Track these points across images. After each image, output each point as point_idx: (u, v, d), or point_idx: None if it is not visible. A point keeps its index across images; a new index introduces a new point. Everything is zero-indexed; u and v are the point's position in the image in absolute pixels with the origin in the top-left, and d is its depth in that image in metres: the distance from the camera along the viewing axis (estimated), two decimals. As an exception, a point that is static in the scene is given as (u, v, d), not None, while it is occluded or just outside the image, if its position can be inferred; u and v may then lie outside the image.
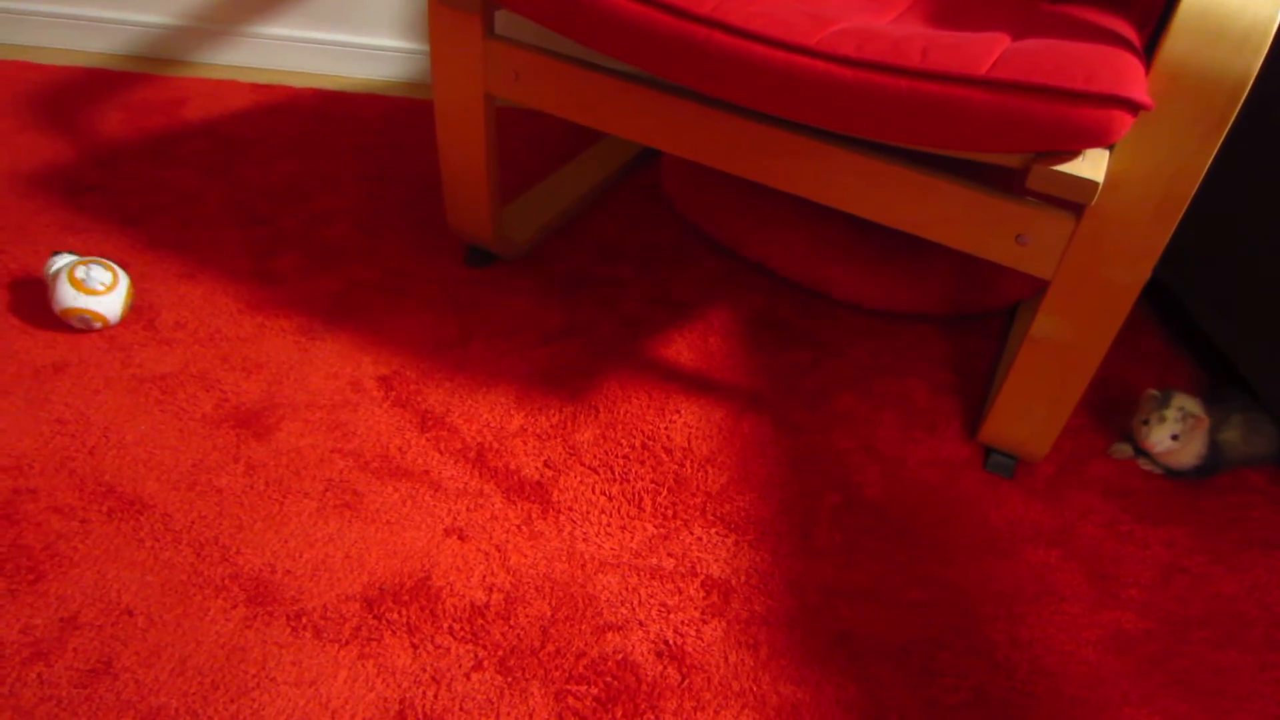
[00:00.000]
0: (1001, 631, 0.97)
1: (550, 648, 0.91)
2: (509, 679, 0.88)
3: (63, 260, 1.19)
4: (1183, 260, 1.34)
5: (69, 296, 1.15)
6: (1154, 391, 1.14)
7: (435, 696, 0.85)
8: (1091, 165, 0.91)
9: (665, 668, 0.90)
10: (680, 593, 0.97)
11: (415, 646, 0.89)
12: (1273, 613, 1.02)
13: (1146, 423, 1.13)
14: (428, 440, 1.10)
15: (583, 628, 0.93)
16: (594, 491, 1.07)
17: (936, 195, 0.99)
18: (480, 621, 0.92)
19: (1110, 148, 0.91)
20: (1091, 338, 1.00)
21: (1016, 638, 0.97)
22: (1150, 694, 0.93)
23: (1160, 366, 1.34)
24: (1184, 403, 1.12)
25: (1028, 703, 0.91)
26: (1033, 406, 1.08)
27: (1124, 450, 1.19)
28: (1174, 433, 1.11)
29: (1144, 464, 1.17)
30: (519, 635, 0.92)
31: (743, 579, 0.99)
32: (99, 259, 1.19)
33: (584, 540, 1.01)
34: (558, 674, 0.89)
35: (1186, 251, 1.33)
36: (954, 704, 0.90)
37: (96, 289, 1.16)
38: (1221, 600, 1.03)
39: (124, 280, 1.20)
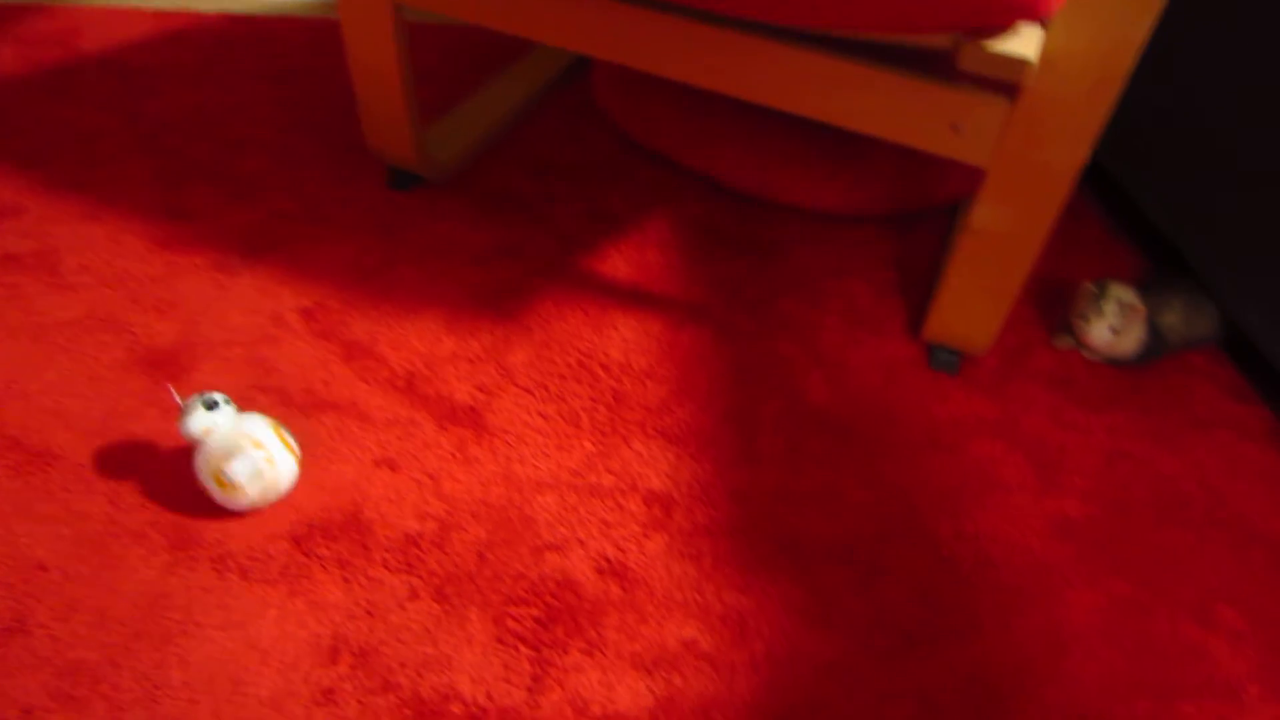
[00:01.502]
0: (947, 526, 0.97)
1: (488, 572, 0.89)
2: (446, 607, 0.86)
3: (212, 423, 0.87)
4: (1125, 146, 1.31)
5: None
6: (1090, 285, 1.12)
7: (370, 629, 0.83)
8: (1024, 43, 0.87)
9: (607, 584, 0.89)
10: (621, 509, 0.95)
11: (347, 581, 0.87)
12: (1212, 490, 1.03)
13: (1085, 318, 1.11)
14: (354, 371, 1.06)
15: (521, 550, 0.91)
16: (529, 413, 1.04)
17: (870, 86, 0.94)
18: (414, 551, 0.90)
19: (1044, 24, 0.87)
20: (1030, 226, 0.97)
21: (962, 531, 0.96)
22: (1094, 577, 0.93)
23: (1104, 255, 1.32)
24: (1120, 294, 1.10)
25: (973, 594, 0.91)
26: (974, 300, 1.06)
27: (1067, 341, 1.17)
28: (1111, 326, 1.09)
29: (1087, 353, 1.16)
30: (455, 562, 0.89)
31: (685, 491, 0.97)
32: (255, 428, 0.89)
33: (520, 462, 0.98)
34: (496, 598, 0.87)
35: (1128, 136, 1.30)
36: (899, 600, 0.90)
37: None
38: (1163, 481, 1.03)
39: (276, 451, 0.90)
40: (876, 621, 0.88)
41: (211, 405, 0.87)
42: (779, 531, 0.95)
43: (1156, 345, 1.13)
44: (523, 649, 0.83)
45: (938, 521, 0.97)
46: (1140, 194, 1.29)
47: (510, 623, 0.85)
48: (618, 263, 1.24)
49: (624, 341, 1.13)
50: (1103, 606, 0.91)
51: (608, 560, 0.91)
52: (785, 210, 1.35)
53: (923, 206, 1.35)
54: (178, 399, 0.90)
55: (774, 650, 0.85)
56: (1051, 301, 1.24)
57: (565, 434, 1.02)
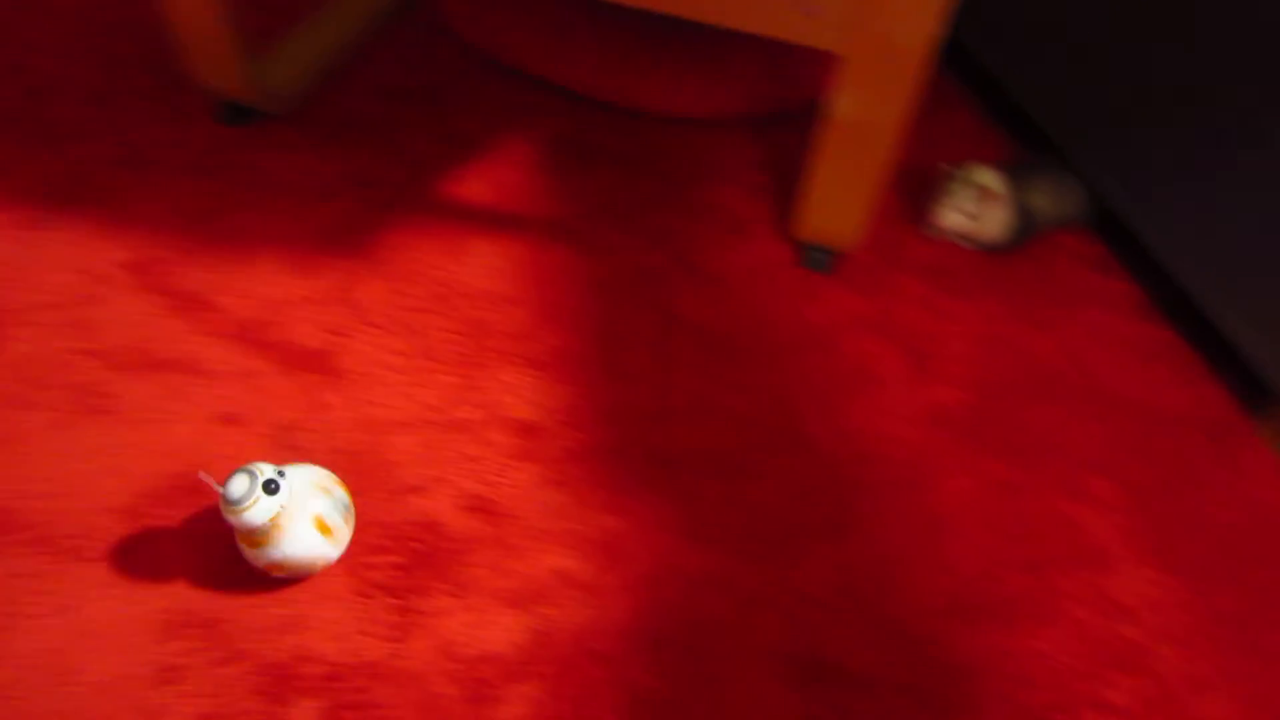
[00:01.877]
0: (822, 426, 0.95)
1: (347, 523, 0.84)
2: (302, 563, 0.81)
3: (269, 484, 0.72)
4: (989, 30, 1.28)
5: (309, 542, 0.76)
6: (949, 168, 1.10)
7: (214, 599, 0.78)
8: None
9: (473, 522, 0.85)
10: (486, 442, 0.91)
11: (188, 550, 0.81)
12: (1082, 365, 1.03)
13: (940, 203, 1.09)
14: (188, 325, 0.98)
15: (380, 497, 0.86)
16: (385, 351, 0.98)
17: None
18: (265, 509, 0.84)
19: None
20: (888, 110, 0.93)
21: (838, 429, 0.95)
22: (969, 461, 0.93)
23: (977, 142, 1.30)
24: (979, 177, 1.08)
25: (850, 491, 0.90)
26: (840, 195, 1.03)
27: (938, 230, 1.15)
28: (968, 209, 1.07)
29: (959, 241, 1.15)
30: (311, 516, 0.84)
31: (553, 418, 0.93)
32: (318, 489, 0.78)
33: (376, 405, 0.93)
34: (354, 549, 0.82)
35: (992, 20, 1.27)
36: (775, 505, 0.88)
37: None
38: (1034, 360, 1.03)
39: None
40: (751, 530, 0.86)
41: (273, 488, 0.72)
42: (652, 449, 0.92)
43: (1025, 227, 1.12)
44: (385, 599, 0.79)
45: (813, 422, 0.95)
46: (1005, 77, 1.26)
47: (371, 573, 0.80)
48: (475, 185, 1.17)
49: (484, 268, 1.07)
50: (977, 489, 0.91)
51: (474, 497, 0.86)
52: (649, 118, 1.29)
53: (788, 105, 1.30)
54: (215, 486, 0.76)
55: (648, 570, 0.82)
56: (925, 193, 1.22)
57: (424, 370, 0.96)
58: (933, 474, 0.92)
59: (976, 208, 1.07)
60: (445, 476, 0.88)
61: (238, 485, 0.70)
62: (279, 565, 0.75)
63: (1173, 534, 0.89)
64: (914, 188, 1.22)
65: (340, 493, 0.78)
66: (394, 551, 0.82)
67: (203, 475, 0.72)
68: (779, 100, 1.29)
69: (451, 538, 0.83)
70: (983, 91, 1.38)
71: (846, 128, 0.96)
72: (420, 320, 1.01)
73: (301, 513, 0.74)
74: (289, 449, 0.88)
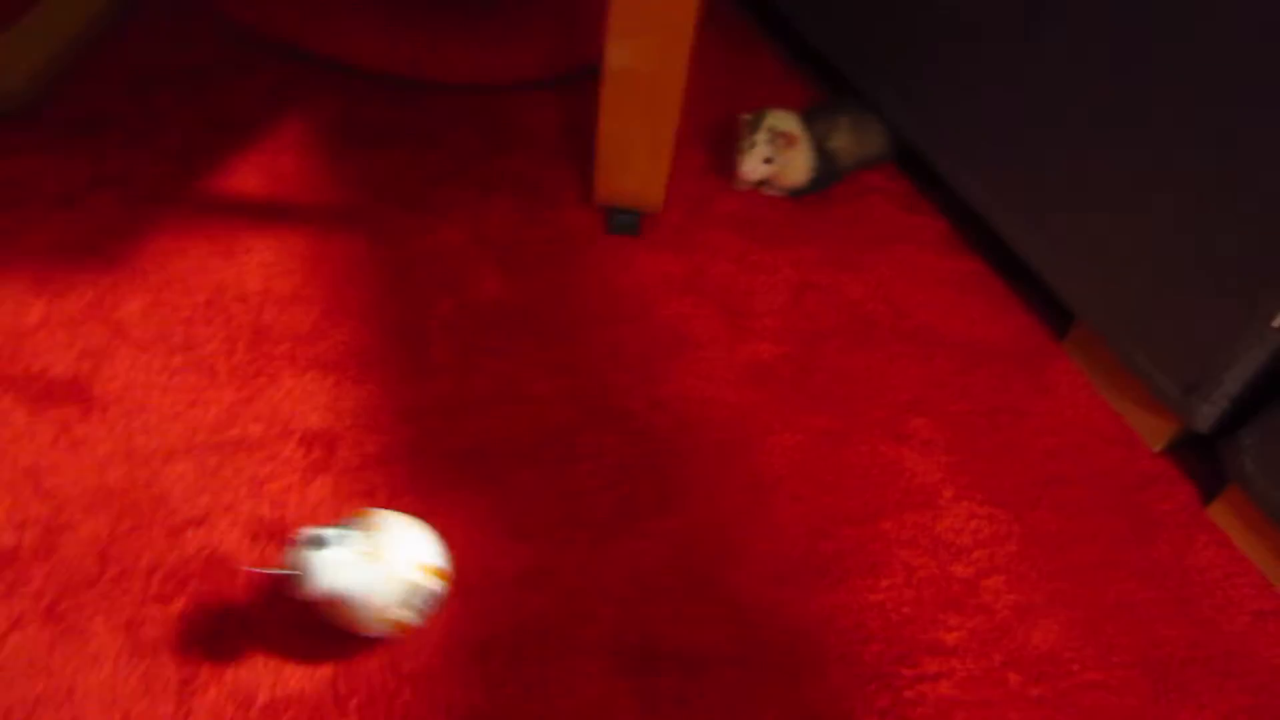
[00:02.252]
0: (640, 397, 0.90)
1: (113, 572, 0.73)
2: (62, 627, 0.70)
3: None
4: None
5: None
6: (746, 116, 1.06)
7: (-50, 681, 0.67)
8: None
9: (266, 548, 0.76)
10: (274, 459, 0.82)
11: (-86, 629, 0.69)
12: (896, 305, 1.02)
13: (740, 150, 1.06)
14: (-97, 366, 0.84)
15: (154, 535, 0.76)
16: (151, 371, 0.87)
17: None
18: (13, 570, 0.73)
19: None
20: (666, 59, 0.89)
21: (656, 398, 0.90)
22: (791, 416, 0.91)
23: (779, 88, 1.28)
24: (775, 122, 1.05)
25: (673, 463, 0.86)
26: (635, 153, 0.98)
27: (744, 181, 1.13)
28: (765, 156, 1.05)
29: (766, 190, 1.12)
30: (69, 571, 0.73)
31: (350, 422, 0.85)
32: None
33: (144, 432, 0.82)
34: (127, 600, 0.72)
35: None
36: (596, 488, 0.83)
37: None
38: (850, 305, 1.02)
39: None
40: (572, 516, 0.81)
41: (320, 542, 0.63)
42: (460, 443, 0.85)
43: (829, 170, 1.10)
44: (165, 652, 0.70)
45: (630, 395, 0.90)
46: (798, 19, 1.24)
47: (148, 626, 0.71)
48: (247, 176, 1.06)
49: (262, 266, 0.97)
50: (802, 445, 0.89)
51: (265, 522, 0.78)
52: (436, 89, 1.20)
53: (582, 66, 1.24)
54: (273, 570, 0.65)
55: (466, 576, 0.76)
56: (731, 144, 1.18)
57: (198, 387, 0.86)
58: (757, 434, 0.89)
59: (775, 154, 1.04)
60: (230, 503, 0.78)
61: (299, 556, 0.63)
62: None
63: (995, 465, 0.90)
64: (718, 139, 1.18)
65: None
66: (175, 597, 0.72)
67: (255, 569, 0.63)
68: (577, 60, 1.23)
69: (241, 571, 0.74)
70: (782, 34, 1.35)
71: (626, 81, 0.90)
72: (191, 332, 0.90)
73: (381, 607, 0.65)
74: (40, 497, 0.77)
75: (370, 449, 0.83)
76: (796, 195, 1.11)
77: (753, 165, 1.05)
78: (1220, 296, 0.81)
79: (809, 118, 1.09)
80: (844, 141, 1.10)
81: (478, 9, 1.22)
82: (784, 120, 1.05)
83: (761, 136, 1.04)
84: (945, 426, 0.92)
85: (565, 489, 0.83)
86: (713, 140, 1.18)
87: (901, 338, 0.99)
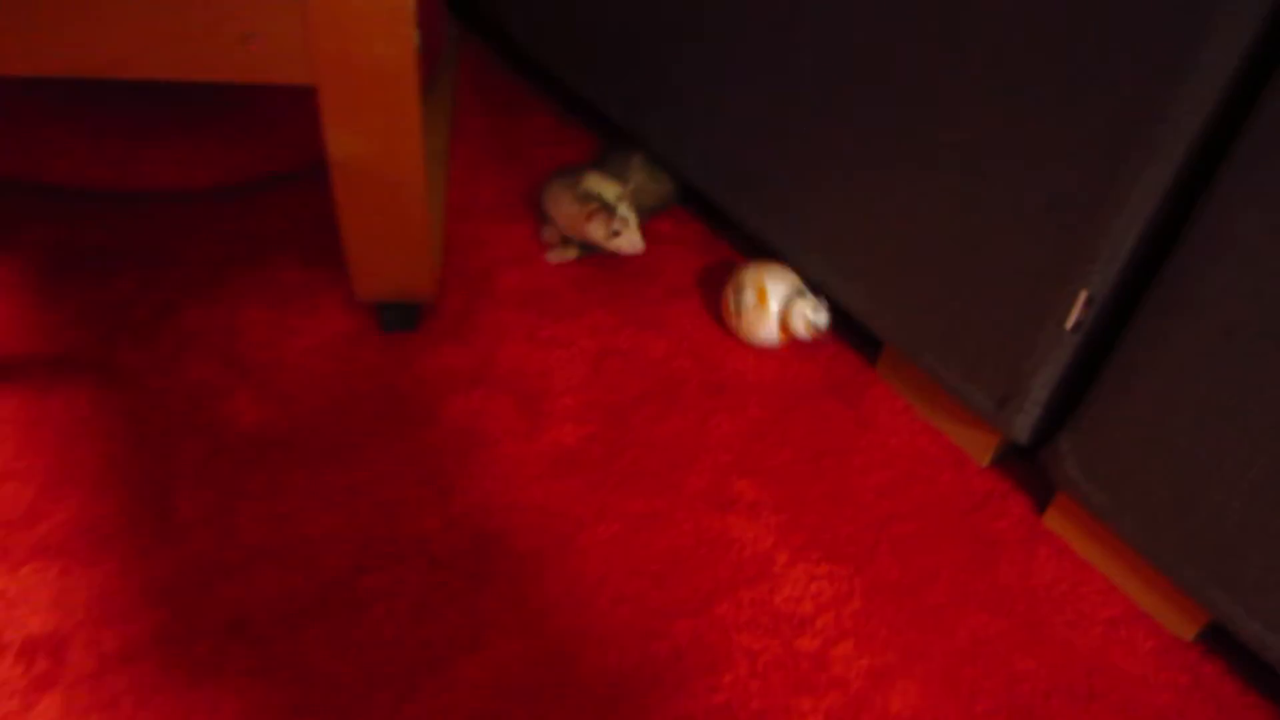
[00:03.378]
0: (432, 517, 0.80)
1: None
2: None
3: None
4: (541, 28, 1.18)
5: None
6: (580, 189, 0.98)
7: None
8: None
9: (-26, 810, 0.61)
10: (-16, 686, 0.67)
11: None
12: (702, 358, 0.96)
13: (616, 232, 0.97)
14: None
15: None
16: None
17: (126, 8, 0.70)
18: None
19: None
20: (396, 142, 0.79)
21: (451, 516, 0.80)
22: (605, 505, 0.82)
23: (558, 148, 1.20)
24: (606, 191, 0.98)
25: (478, 587, 0.76)
26: (387, 243, 0.88)
27: (567, 253, 1.04)
28: (615, 227, 0.97)
29: (554, 256, 1.05)
30: None
31: (81, 617, 0.71)
32: None
33: None
34: None
35: (544, 21, 1.18)
36: (394, 635, 0.72)
37: None
38: (654, 367, 0.95)
39: None
40: (370, 674, 0.70)
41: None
42: (222, 615, 0.72)
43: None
44: None
45: (421, 517, 0.80)
46: (571, 78, 1.18)
47: None
48: (-61, 336, 0.90)
49: (-39, 442, 0.81)
50: (620, 535, 0.80)
51: (-27, 771, 0.63)
52: (166, 197, 1.07)
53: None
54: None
55: (237, 785, 0.63)
56: (516, 207, 1.10)
57: (-123, 613, 0.70)
58: (569, 534, 0.80)
59: (622, 220, 0.97)
60: (-75, 757, 0.63)
61: None
62: None
63: (827, 516, 0.84)
64: (489, 206, 1.10)
65: None
66: None
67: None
68: (318, 148, 1.12)
69: None
70: (552, 91, 1.29)
71: (356, 170, 0.81)
72: None
73: None
74: None
75: (109, 646, 0.70)
76: (587, 252, 1.04)
77: (637, 239, 0.98)
78: (1013, 303, 0.78)
79: (601, 167, 1.02)
80: (641, 180, 1.04)
81: (192, 107, 1.10)
82: (608, 187, 0.98)
83: (623, 207, 0.97)
84: (770, 483, 0.86)
85: (356, 643, 0.71)
86: (489, 208, 1.10)
87: (712, 392, 0.93)
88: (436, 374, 0.91)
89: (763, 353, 0.97)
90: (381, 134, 0.78)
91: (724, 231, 1.10)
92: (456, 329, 0.96)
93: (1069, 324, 0.76)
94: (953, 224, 0.80)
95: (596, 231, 0.98)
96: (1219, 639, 0.78)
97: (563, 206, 1.01)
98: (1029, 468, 0.89)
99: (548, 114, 1.25)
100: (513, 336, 0.96)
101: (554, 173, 1.05)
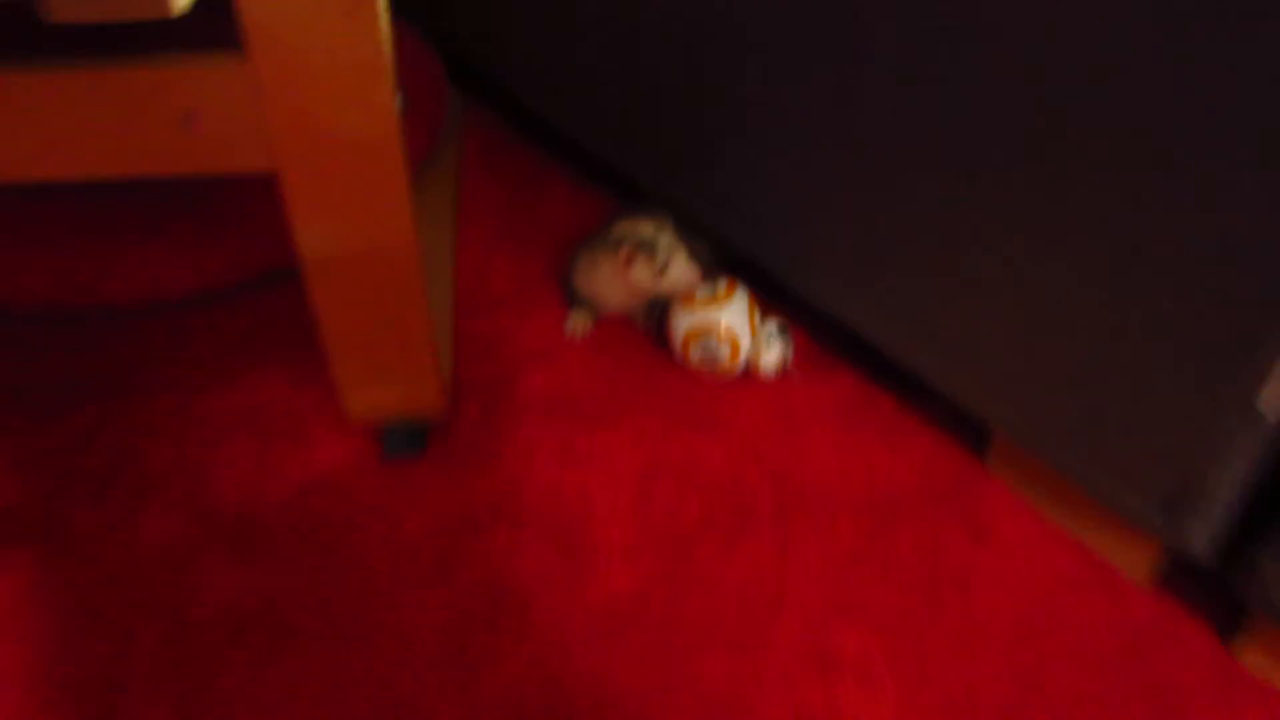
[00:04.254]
0: (454, 707, 0.62)
1: None
2: None
3: None
4: (552, 88, 1.04)
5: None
6: (621, 235, 0.85)
7: None
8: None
9: None
10: None
11: None
12: (771, 465, 0.79)
13: (664, 266, 0.84)
14: None
15: None
16: None
17: (54, 95, 0.55)
18: None
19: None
20: (387, 224, 0.64)
21: (476, 702, 0.63)
22: (671, 673, 0.65)
23: (576, 214, 1.05)
24: (637, 227, 0.85)
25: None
26: (382, 352, 0.72)
27: (584, 320, 0.90)
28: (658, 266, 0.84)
29: (572, 326, 0.89)
30: None
31: None
32: None
33: None
34: None
35: (552, 81, 1.04)
36: None
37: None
38: (714, 482, 0.77)
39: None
40: None
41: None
42: None
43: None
44: None
45: (438, 709, 0.62)
46: (578, 134, 1.03)
47: None
48: None
49: None
50: (696, 702, 0.62)
51: None
52: (126, 314, 0.92)
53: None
54: None
55: None
56: (535, 297, 0.94)
57: None
58: (639, 705, 0.62)
59: (666, 250, 0.83)
60: None
61: None
62: None
63: (957, 673, 0.65)
64: (508, 295, 0.94)
65: None
66: None
67: None
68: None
69: None
70: (572, 156, 1.14)
71: (336, 265, 0.65)
72: None
73: None
74: None
75: None
76: (651, 318, 0.89)
77: (685, 269, 0.85)
78: (1181, 377, 0.61)
79: (628, 215, 0.88)
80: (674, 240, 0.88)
81: (165, 199, 0.95)
82: (627, 225, 0.85)
83: (663, 240, 0.83)
84: (878, 629, 0.67)
85: None
86: (499, 298, 0.94)
87: (789, 509, 0.75)
88: (453, 511, 0.75)
89: (845, 449, 0.80)
90: (364, 223, 0.63)
91: (777, 301, 0.93)
92: (474, 451, 0.79)
93: (1261, 403, 0.58)
94: (1095, 277, 0.62)
95: (642, 275, 0.84)
96: None
97: (596, 270, 0.86)
98: (1207, 586, 0.70)
99: (566, 183, 1.10)
100: (542, 455, 0.79)
101: (579, 245, 0.90)
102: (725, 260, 0.90)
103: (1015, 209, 0.64)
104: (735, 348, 0.83)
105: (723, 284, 0.86)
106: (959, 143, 0.65)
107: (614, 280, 0.87)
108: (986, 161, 0.64)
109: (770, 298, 0.90)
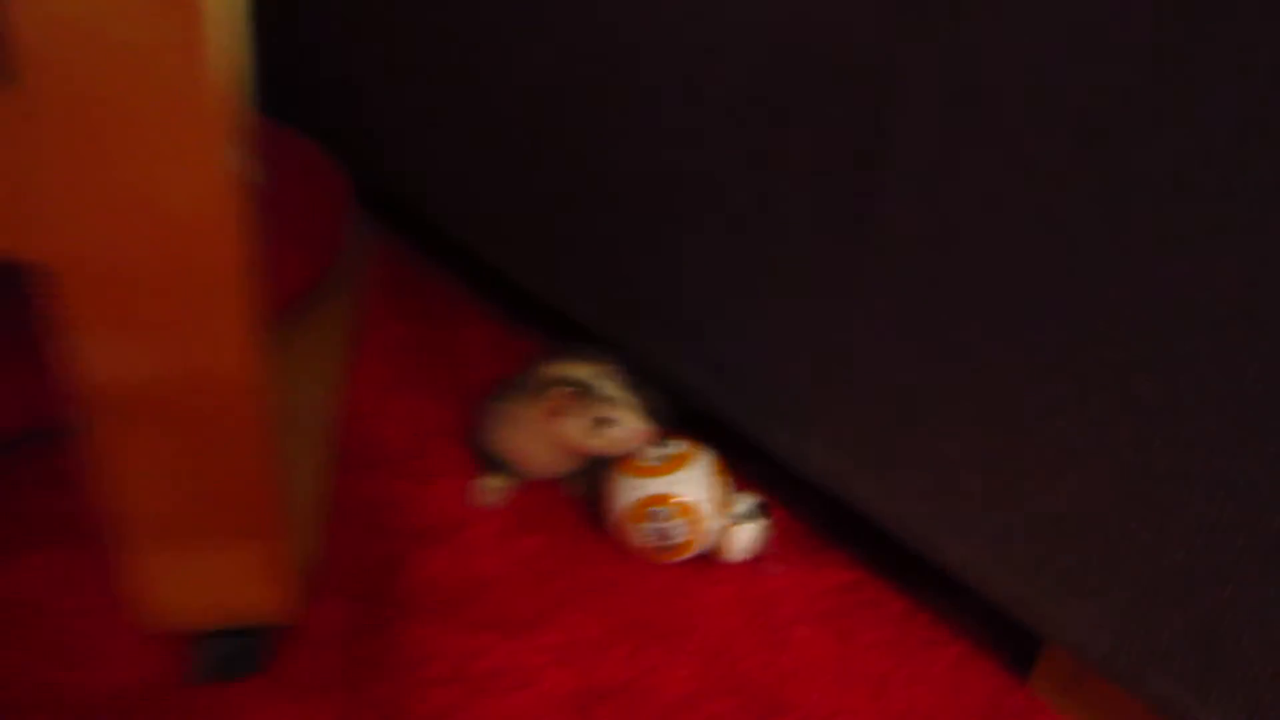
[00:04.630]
0: None
1: None
2: None
3: None
4: (489, 225, 0.87)
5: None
6: (551, 376, 0.65)
7: None
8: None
9: None
10: None
11: None
12: (751, 685, 0.57)
13: (605, 419, 0.64)
14: None
15: None
16: None
17: None
18: None
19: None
20: (216, 344, 0.44)
21: None
22: None
23: (497, 357, 0.86)
24: (572, 369, 0.65)
25: None
26: (204, 522, 0.50)
27: (496, 486, 0.69)
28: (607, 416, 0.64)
29: (481, 493, 0.68)
30: None
31: None
32: None
33: None
34: None
35: (489, 215, 0.87)
36: None
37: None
38: (672, 708, 0.55)
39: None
40: None
41: None
42: None
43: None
44: None
45: None
46: (496, 259, 0.86)
47: None
48: None
49: None
50: None
51: None
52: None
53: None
54: None
55: None
56: (439, 454, 0.74)
57: None
58: None
59: (608, 401, 0.63)
60: None
61: None
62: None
63: None
64: (417, 447, 0.73)
65: None
66: None
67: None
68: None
69: None
70: (497, 292, 0.97)
71: (137, 399, 0.44)
72: None
73: None
74: None
75: None
76: (578, 481, 0.69)
77: (632, 423, 0.64)
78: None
79: (558, 358, 0.69)
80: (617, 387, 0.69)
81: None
82: (558, 366, 0.65)
83: (603, 386, 0.62)
84: None
85: None
86: (402, 458, 0.73)
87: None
88: (291, 763, 0.51)
89: (845, 672, 0.59)
90: (180, 341, 0.43)
91: (745, 465, 0.73)
92: (336, 670, 0.56)
93: None
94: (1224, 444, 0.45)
95: (574, 429, 0.64)
96: None
97: (517, 423, 0.67)
98: None
99: (487, 321, 0.92)
100: (432, 675, 0.56)
101: (496, 391, 0.71)
102: (683, 414, 0.71)
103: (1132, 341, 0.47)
104: (695, 528, 0.63)
105: (679, 444, 0.67)
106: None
107: (539, 436, 0.67)
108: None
109: (743, 460, 0.71)
